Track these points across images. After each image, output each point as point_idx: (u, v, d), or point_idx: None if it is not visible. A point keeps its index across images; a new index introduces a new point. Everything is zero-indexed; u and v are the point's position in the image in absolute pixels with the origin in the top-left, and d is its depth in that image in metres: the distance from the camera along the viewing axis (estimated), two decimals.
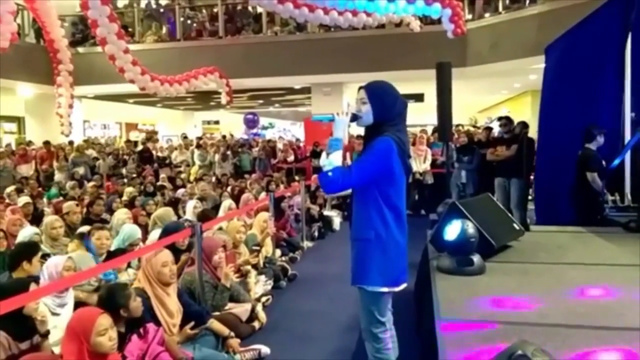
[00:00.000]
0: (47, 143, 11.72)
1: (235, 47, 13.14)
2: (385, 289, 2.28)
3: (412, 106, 15.05)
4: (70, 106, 12.54)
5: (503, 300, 2.44)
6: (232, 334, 3.27)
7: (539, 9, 10.36)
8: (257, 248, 4.69)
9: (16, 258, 3.36)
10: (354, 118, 2.31)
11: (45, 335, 2.70)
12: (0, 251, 4.04)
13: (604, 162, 4.84)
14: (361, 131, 2.59)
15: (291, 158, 12.07)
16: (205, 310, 3.36)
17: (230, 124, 23.28)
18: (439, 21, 10.33)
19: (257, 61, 12.73)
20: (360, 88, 2.37)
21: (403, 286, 2.35)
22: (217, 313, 3.49)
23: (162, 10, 14.33)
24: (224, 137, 15.14)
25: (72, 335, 2.27)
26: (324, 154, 2.27)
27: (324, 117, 2.34)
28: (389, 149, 2.19)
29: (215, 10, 13.84)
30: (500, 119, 7.60)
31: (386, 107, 2.27)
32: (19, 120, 16.50)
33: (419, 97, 14.67)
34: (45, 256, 3.95)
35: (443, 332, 2.07)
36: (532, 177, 6.81)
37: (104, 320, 2.32)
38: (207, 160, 11.94)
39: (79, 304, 3.36)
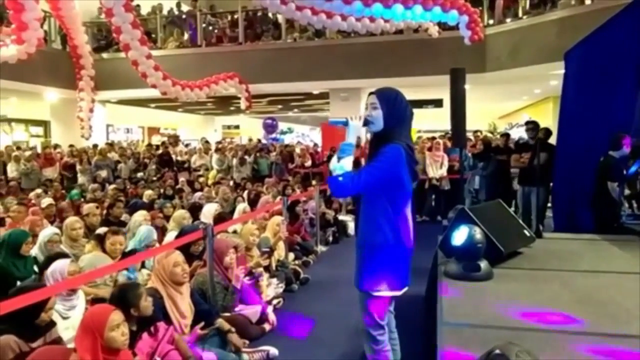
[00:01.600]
0: (71, 154, 12.01)
1: (255, 52, 13.30)
2: (388, 294, 2.32)
3: (431, 112, 15.00)
4: (91, 110, 12.86)
5: (508, 307, 2.44)
6: (233, 329, 3.29)
7: (559, 15, 10.25)
8: (267, 250, 4.73)
9: (47, 264, 3.44)
10: (365, 123, 2.34)
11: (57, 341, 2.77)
12: (27, 255, 4.14)
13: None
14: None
15: (309, 163, 12.14)
16: (214, 309, 3.42)
17: (251, 128, 23.50)
18: (457, 27, 10.29)
19: (276, 67, 12.87)
20: (370, 93, 2.39)
21: (405, 289, 2.38)
22: (227, 314, 3.55)
23: (184, 16, 14.59)
24: (250, 140, 15.37)
25: (87, 331, 2.35)
26: (334, 158, 2.29)
27: (339, 121, 2.37)
28: (399, 156, 2.22)
29: (235, 16, 14.04)
30: (527, 123, 7.22)
31: (397, 113, 2.31)
32: (45, 124, 16.96)
33: (438, 103, 14.59)
34: (61, 254, 4.07)
35: (445, 337, 2.09)
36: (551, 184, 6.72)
37: (116, 316, 2.40)
38: (225, 164, 12.09)
39: (94, 301, 3.46)
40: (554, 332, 2.10)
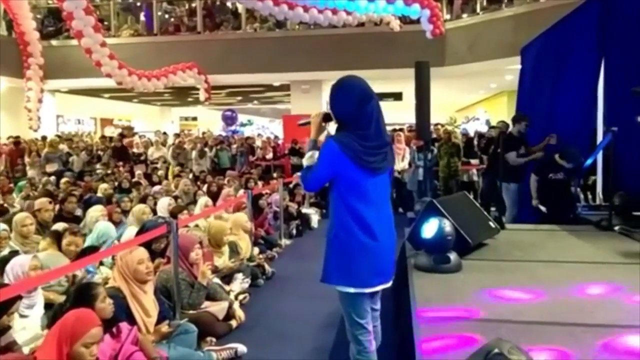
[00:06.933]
0: (17, 143, 11.36)
1: (214, 42, 13.02)
2: (351, 290, 2.20)
3: (391, 105, 15.14)
4: (40, 101, 12.25)
5: (478, 298, 2.47)
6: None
7: (515, 11, 10.54)
8: (240, 257, 4.62)
9: (2, 264, 3.23)
10: (328, 118, 2.28)
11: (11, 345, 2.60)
12: None
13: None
14: None
15: (269, 155, 12.02)
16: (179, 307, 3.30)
17: (209, 120, 23.04)
18: (418, 21, 10.40)
19: (236, 57, 12.64)
20: None
21: (376, 289, 2.26)
22: (192, 311, 3.45)
23: (138, 3, 14.08)
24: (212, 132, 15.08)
25: (59, 334, 2.16)
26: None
27: (307, 121, 2.38)
28: (330, 153, 2.15)
29: (193, 5, 13.67)
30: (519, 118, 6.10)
31: (342, 103, 2.21)
32: None
33: (397, 96, 14.75)
34: (14, 253, 3.85)
35: (420, 330, 2.09)
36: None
37: (96, 332, 2.21)
38: (181, 156, 11.80)
39: (48, 304, 3.28)
40: (526, 323, 2.14)
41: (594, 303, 2.36)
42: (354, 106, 2.18)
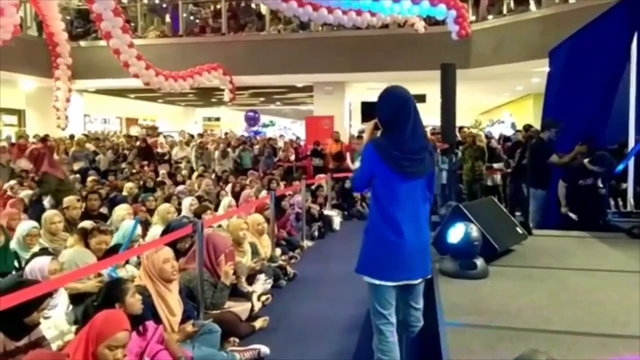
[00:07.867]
0: (44, 141, 11.60)
1: (238, 44, 13.11)
2: (376, 281, 2.38)
3: None
4: (68, 100, 12.51)
5: (507, 306, 2.42)
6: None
7: (543, 12, 10.35)
8: (261, 259, 4.64)
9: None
10: (377, 126, 2.47)
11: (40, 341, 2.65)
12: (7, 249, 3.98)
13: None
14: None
15: (292, 157, 12.05)
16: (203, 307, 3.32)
17: (231, 121, 23.23)
18: (442, 22, 10.30)
19: (260, 59, 12.70)
20: None
21: (399, 283, 2.41)
22: (216, 311, 3.47)
23: (165, 5, 14.28)
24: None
25: (87, 332, 2.19)
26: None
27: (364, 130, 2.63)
28: (366, 155, 2.40)
29: (218, 6, 13.81)
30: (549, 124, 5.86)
31: (381, 111, 2.42)
32: (19, 113, 16.45)
33: (420, 98, 14.62)
34: (44, 250, 3.93)
35: (448, 338, 2.06)
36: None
37: (122, 336, 2.22)
38: (204, 156, 11.91)
39: (75, 296, 3.35)
40: (557, 333, 2.09)
41: (627, 313, 2.29)
42: (391, 110, 2.38)
